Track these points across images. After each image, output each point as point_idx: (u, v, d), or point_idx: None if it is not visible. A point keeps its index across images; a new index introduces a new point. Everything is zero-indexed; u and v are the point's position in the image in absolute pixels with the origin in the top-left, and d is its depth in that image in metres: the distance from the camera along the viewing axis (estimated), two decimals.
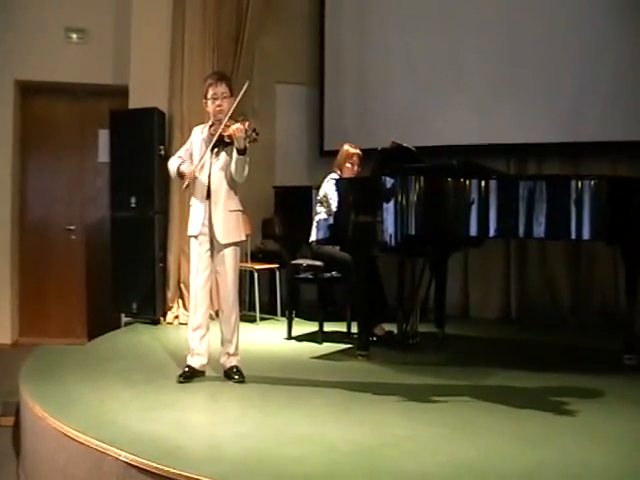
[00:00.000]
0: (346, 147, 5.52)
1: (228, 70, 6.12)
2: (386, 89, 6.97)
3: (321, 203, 5.34)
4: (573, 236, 4.34)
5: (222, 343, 4.17)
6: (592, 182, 4.29)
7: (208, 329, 4.16)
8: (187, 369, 4.12)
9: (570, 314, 6.29)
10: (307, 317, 5.98)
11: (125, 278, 6.11)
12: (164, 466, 2.72)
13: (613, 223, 4.34)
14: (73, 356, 4.77)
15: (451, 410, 3.64)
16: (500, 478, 2.73)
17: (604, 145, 5.97)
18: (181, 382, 4.05)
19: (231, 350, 4.15)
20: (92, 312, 6.81)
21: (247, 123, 3.92)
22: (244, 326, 4.78)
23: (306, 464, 2.82)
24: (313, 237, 5.40)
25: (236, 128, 3.89)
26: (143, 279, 6.06)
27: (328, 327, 5.44)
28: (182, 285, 6.16)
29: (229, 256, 4.10)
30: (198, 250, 4.11)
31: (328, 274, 5.44)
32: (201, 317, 4.13)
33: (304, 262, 5.56)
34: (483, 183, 4.42)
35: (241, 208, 4.19)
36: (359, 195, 4.82)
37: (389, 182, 4.56)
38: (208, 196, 4.07)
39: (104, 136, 6.66)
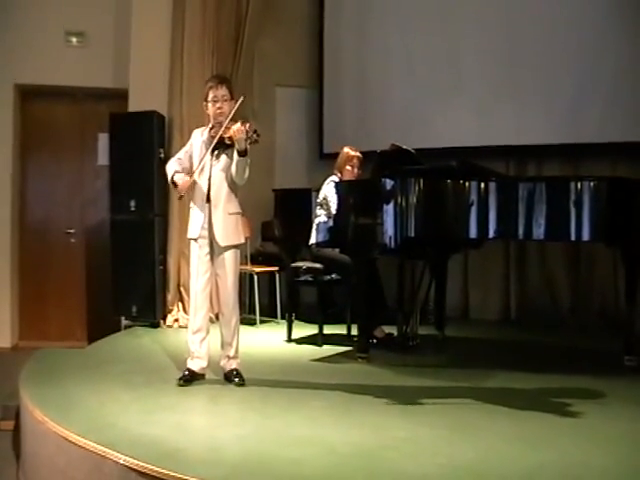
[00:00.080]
0: (346, 150, 5.53)
1: (228, 72, 6.12)
2: (385, 91, 6.98)
3: (321, 206, 5.34)
4: (573, 237, 4.34)
5: (222, 346, 4.16)
6: (592, 183, 4.30)
7: (208, 332, 4.16)
8: (187, 372, 4.12)
9: (570, 315, 6.29)
10: (307, 320, 5.97)
11: (125, 281, 6.11)
12: (164, 469, 2.72)
13: (613, 224, 4.34)
14: (73, 359, 4.77)
15: (451, 412, 3.64)
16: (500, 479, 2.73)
17: (604, 146, 5.97)
18: (181, 385, 4.05)
19: (231, 353, 4.14)
20: (92, 315, 6.81)
21: (248, 124, 3.93)
22: (244, 329, 4.78)
23: (306, 466, 2.82)
24: (313, 240, 5.41)
25: (237, 129, 3.89)
26: (143, 282, 6.07)
27: (328, 329, 5.44)
28: (182, 288, 6.17)
29: (229, 259, 4.10)
30: (198, 253, 4.11)
31: (328, 276, 5.43)
32: (201, 320, 4.12)
33: (304, 265, 5.55)
34: (483, 185, 4.42)
35: (240, 211, 4.19)
36: (359, 197, 4.82)
37: (389, 184, 4.56)
38: (208, 199, 4.07)
39: (104, 139, 6.66)
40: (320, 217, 5.31)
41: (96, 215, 6.92)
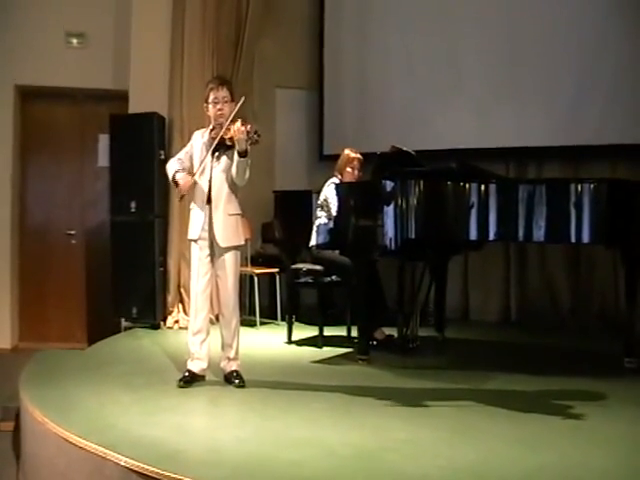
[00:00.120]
0: (347, 152, 5.54)
1: (228, 74, 6.12)
2: (385, 92, 6.98)
3: (321, 207, 5.35)
4: (573, 239, 4.35)
5: (222, 347, 4.16)
6: (592, 185, 4.30)
7: (208, 333, 4.16)
8: (187, 373, 4.12)
9: (570, 317, 6.29)
10: (307, 321, 5.98)
11: (125, 282, 6.11)
12: (164, 470, 2.72)
13: (613, 226, 4.35)
14: (73, 361, 4.77)
15: (451, 414, 3.64)
16: None
17: (604, 148, 5.98)
18: (181, 386, 4.05)
19: (231, 354, 4.14)
20: (92, 316, 6.81)
21: (248, 125, 3.93)
22: (244, 330, 4.78)
23: (306, 468, 2.82)
24: (313, 241, 5.41)
25: (237, 129, 3.90)
26: (143, 283, 6.07)
27: (328, 331, 5.44)
28: (182, 289, 6.17)
29: (229, 260, 4.10)
30: (198, 254, 4.11)
31: (328, 278, 5.44)
32: (201, 321, 4.12)
33: (304, 266, 5.56)
34: (483, 187, 4.42)
35: (240, 212, 4.19)
36: (359, 199, 4.82)
37: (389, 186, 4.56)
38: (209, 200, 4.07)
39: (104, 140, 6.66)
40: (320, 219, 5.31)
41: (96, 216, 6.91)
